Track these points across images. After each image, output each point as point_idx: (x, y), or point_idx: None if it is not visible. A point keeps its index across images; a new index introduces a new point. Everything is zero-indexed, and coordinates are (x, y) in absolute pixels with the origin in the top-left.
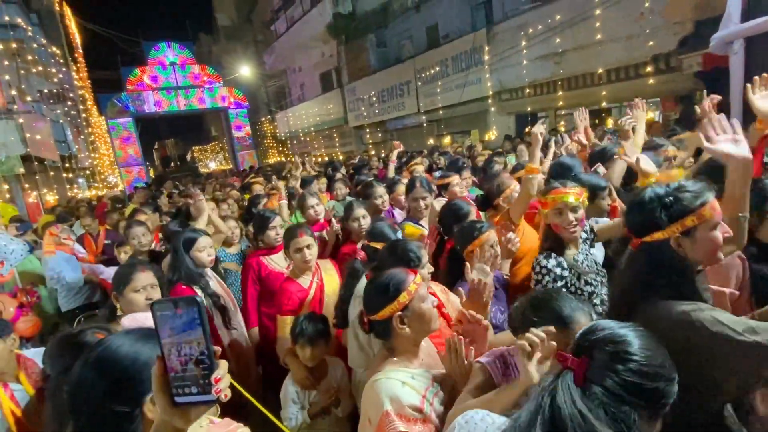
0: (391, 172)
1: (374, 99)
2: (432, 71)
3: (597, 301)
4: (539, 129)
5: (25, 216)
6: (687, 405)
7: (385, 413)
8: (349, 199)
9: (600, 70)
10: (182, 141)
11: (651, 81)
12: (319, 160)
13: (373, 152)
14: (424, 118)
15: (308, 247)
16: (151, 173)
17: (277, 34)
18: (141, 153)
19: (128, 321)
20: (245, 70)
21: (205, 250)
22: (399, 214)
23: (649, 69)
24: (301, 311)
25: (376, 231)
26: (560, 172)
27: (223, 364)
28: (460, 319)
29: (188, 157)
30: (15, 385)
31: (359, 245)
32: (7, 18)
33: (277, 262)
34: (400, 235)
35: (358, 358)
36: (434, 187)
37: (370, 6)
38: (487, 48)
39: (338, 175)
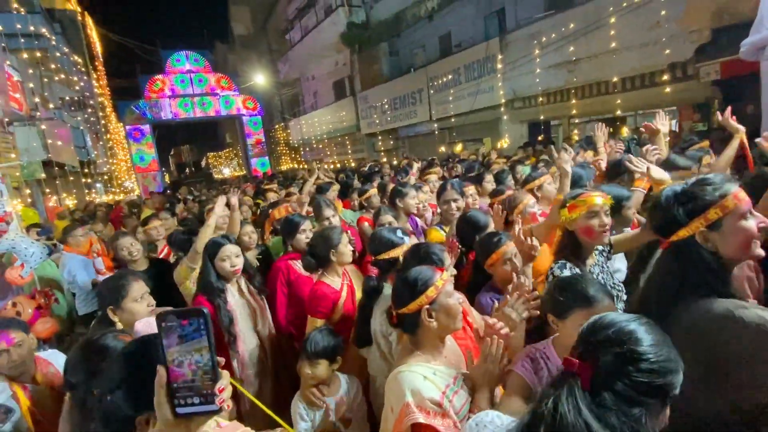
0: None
1: (386, 107)
2: (444, 79)
3: None
4: (566, 158)
5: (45, 220)
6: (725, 403)
7: (406, 404)
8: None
9: (615, 79)
10: (197, 147)
11: (667, 89)
12: (331, 167)
13: (384, 159)
14: (436, 125)
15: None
16: (167, 179)
17: (292, 43)
18: (157, 159)
19: (142, 326)
20: (260, 79)
21: (228, 259)
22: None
23: (665, 77)
24: (333, 314)
25: (377, 242)
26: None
27: (226, 375)
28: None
29: (203, 163)
30: (32, 386)
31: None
32: (32, 28)
33: None
34: (407, 239)
35: (379, 367)
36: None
37: (383, 16)
38: (500, 56)
39: (356, 183)
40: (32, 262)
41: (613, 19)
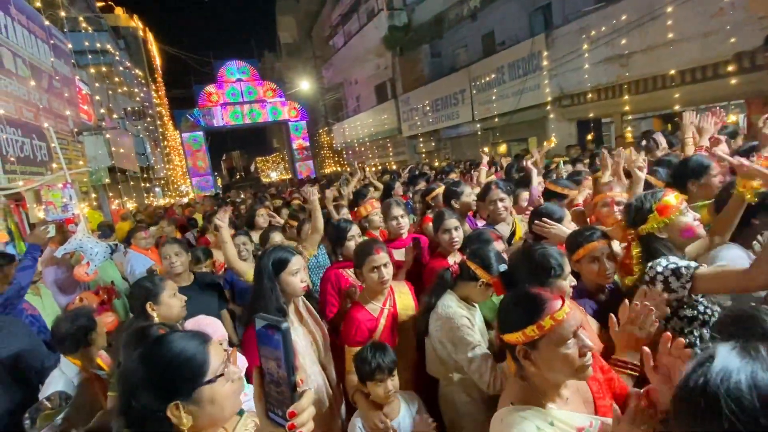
0: (482, 177)
1: (428, 108)
2: (487, 79)
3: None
4: (640, 163)
5: (109, 221)
6: None
7: None
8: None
9: (672, 72)
10: (246, 153)
11: (733, 81)
12: (373, 169)
13: (426, 161)
14: (478, 126)
15: (385, 265)
16: (219, 183)
17: (335, 48)
18: (209, 164)
19: (192, 324)
20: (305, 85)
21: (298, 273)
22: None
23: (730, 68)
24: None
25: (482, 255)
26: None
27: (307, 397)
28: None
29: (252, 167)
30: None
31: (453, 260)
32: (98, 45)
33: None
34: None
35: (438, 368)
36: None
37: (425, 17)
38: (545, 53)
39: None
40: (96, 260)
41: (670, 9)
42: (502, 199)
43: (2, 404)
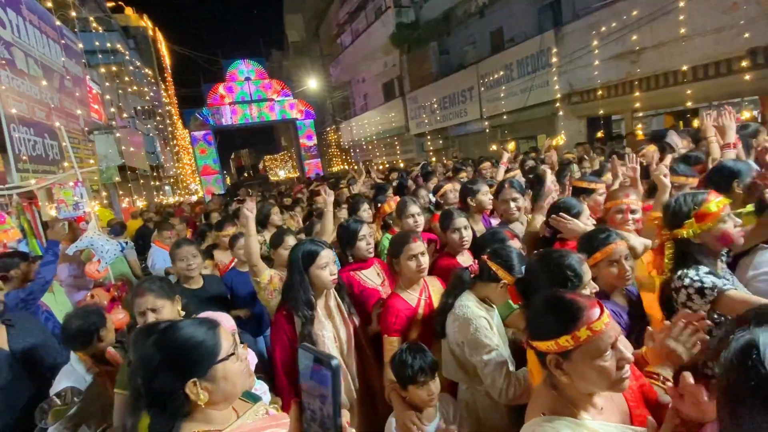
0: (500, 175)
1: (436, 106)
2: (496, 76)
3: None
4: (664, 171)
5: (120, 219)
6: None
7: None
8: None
9: (684, 68)
10: (255, 151)
11: (747, 77)
12: (380, 167)
13: (434, 159)
14: (486, 123)
15: (422, 254)
16: (228, 181)
17: (343, 47)
18: (218, 162)
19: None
20: (313, 83)
21: (327, 267)
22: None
23: (744, 64)
24: (409, 332)
25: (504, 255)
26: None
27: None
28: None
29: (260, 166)
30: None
31: (461, 260)
32: (109, 45)
33: (370, 278)
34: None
35: (456, 371)
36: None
37: (432, 14)
38: (555, 50)
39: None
40: (107, 258)
41: (682, 3)
42: (515, 199)
43: (16, 398)
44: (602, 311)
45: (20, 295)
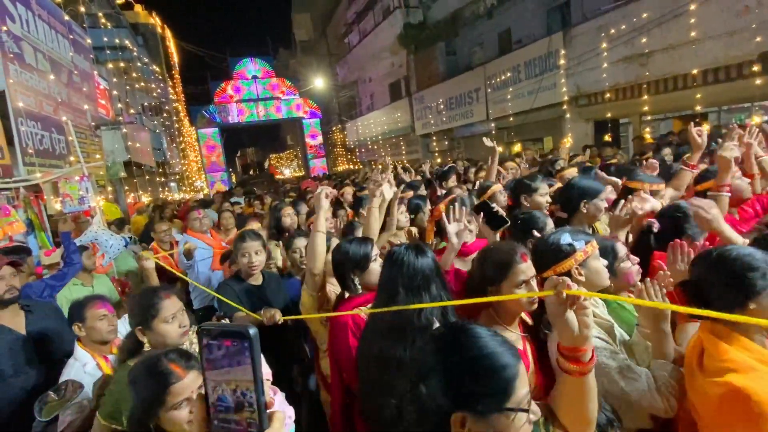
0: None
1: (442, 107)
2: (503, 77)
3: None
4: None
5: (125, 214)
6: None
7: None
8: None
9: (694, 71)
10: (261, 150)
11: (758, 82)
12: (403, 164)
13: (438, 160)
14: (493, 125)
15: (533, 278)
16: (233, 179)
17: (350, 46)
18: (224, 160)
19: None
20: (319, 82)
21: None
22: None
23: (755, 68)
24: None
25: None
26: None
27: (278, 419)
28: None
29: (266, 164)
30: (112, 356)
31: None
32: (117, 41)
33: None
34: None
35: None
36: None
37: (440, 15)
38: (563, 51)
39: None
40: (111, 252)
41: (693, 6)
42: (469, 221)
43: (31, 382)
44: None
45: (50, 282)
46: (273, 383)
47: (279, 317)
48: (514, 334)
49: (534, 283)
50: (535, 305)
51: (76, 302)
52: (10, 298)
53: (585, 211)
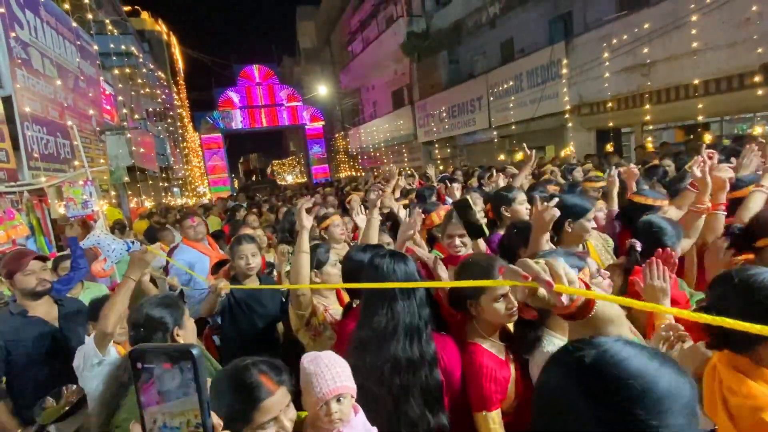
0: (518, 181)
1: (444, 115)
2: (505, 86)
3: None
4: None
5: (128, 219)
6: None
7: None
8: None
9: (696, 81)
10: (264, 156)
11: (759, 92)
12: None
13: (441, 167)
14: (495, 133)
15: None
16: (236, 185)
17: (354, 54)
18: (227, 166)
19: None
20: (323, 90)
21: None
22: None
23: (757, 79)
24: (506, 398)
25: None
26: None
27: None
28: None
29: (268, 170)
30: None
31: None
32: (123, 47)
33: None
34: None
35: None
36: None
37: (443, 24)
38: (565, 61)
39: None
40: (113, 257)
41: (694, 17)
42: (461, 235)
43: (60, 372)
44: None
45: (56, 286)
46: None
47: (223, 285)
48: (497, 345)
49: (512, 296)
50: (515, 317)
51: (96, 300)
52: (42, 290)
53: (570, 230)
